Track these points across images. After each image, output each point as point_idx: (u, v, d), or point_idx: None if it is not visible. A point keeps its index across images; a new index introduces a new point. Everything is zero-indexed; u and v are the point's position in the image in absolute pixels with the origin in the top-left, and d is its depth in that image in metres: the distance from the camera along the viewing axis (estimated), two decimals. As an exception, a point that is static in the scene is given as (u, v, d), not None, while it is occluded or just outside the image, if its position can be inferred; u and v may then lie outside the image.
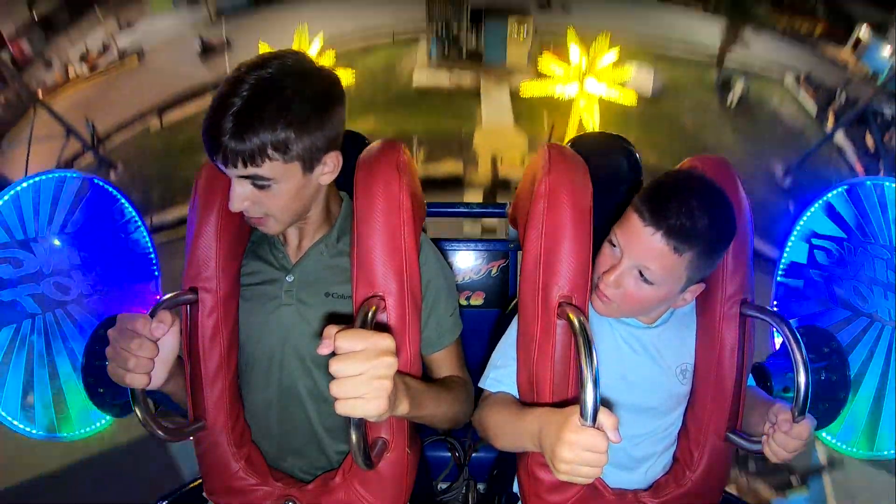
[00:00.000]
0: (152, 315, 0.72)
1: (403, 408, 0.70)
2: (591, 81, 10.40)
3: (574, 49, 10.99)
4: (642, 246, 0.75)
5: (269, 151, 0.73)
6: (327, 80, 0.77)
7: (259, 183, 0.75)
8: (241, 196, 0.76)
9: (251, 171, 0.73)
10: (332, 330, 0.61)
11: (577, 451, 0.62)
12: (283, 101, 0.72)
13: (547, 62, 11.41)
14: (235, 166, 0.73)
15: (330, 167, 0.81)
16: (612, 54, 10.51)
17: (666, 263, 0.75)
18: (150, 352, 0.71)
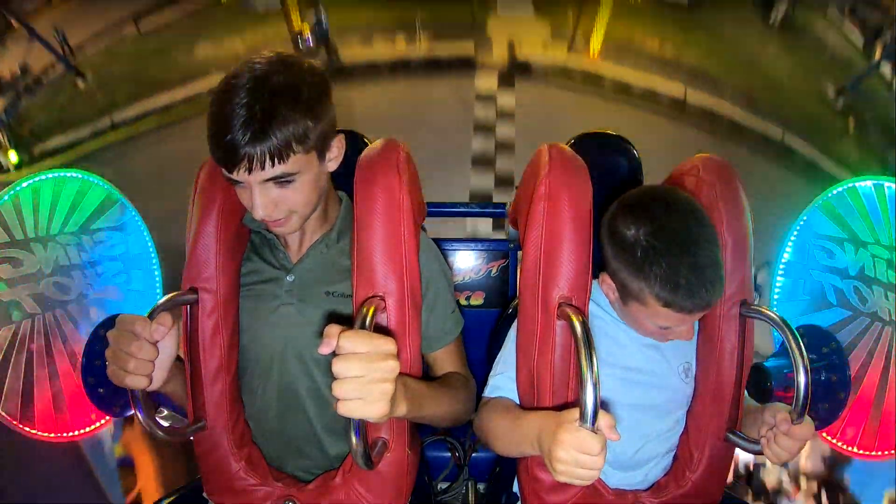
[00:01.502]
0: (151, 317, 0.72)
1: (402, 409, 0.70)
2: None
3: None
4: (692, 319, 0.79)
5: (293, 145, 0.73)
6: (312, 66, 0.78)
7: (284, 180, 0.75)
8: (266, 201, 0.76)
9: (279, 169, 0.73)
10: (333, 329, 0.61)
11: (571, 451, 0.61)
12: (291, 92, 0.72)
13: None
14: (263, 168, 0.72)
15: (335, 152, 0.82)
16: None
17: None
18: (150, 354, 0.71)
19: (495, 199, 3.40)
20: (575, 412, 0.63)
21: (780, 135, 3.62)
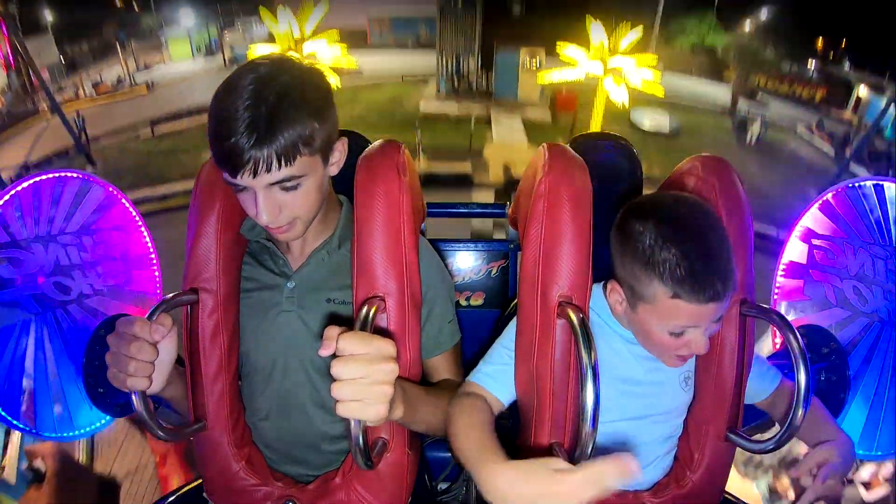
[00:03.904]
0: (151, 318, 0.72)
1: (398, 413, 0.70)
2: (616, 60, 9.76)
3: (596, 28, 9.99)
4: (709, 315, 0.75)
5: (300, 146, 0.71)
6: (314, 68, 0.77)
7: (289, 185, 0.74)
8: (271, 205, 0.74)
9: (285, 172, 0.72)
10: (333, 331, 0.60)
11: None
12: (296, 93, 0.71)
13: (564, 48, 10.16)
14: (269, 171, 0.71)
15: (337, 156, 0.81)
16: (636, 32, 9.83)
17: (728, 303, 0.76)
18: (150, 355, 0.71)
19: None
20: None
21: (774, 232, 3.62)
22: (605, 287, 0.85)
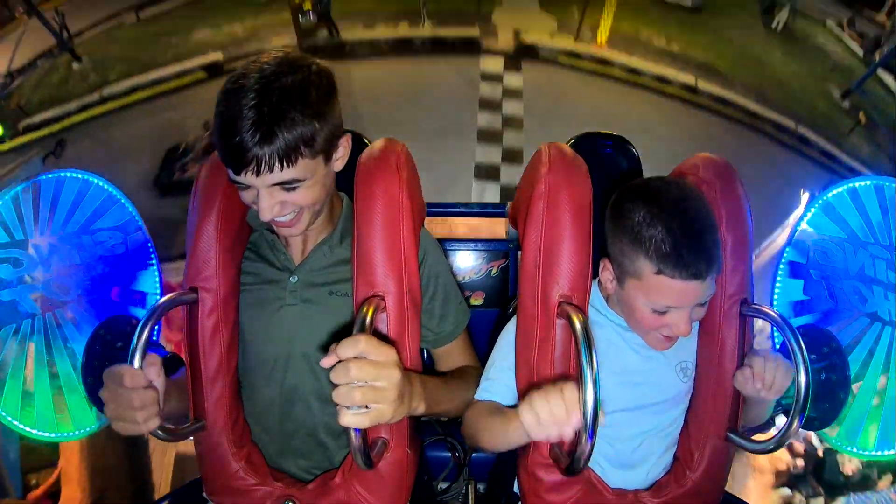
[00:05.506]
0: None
1: (420, 408, 0.73)
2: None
3: None
4: (692, 296, 0.77)
5: (302, 148, 0.72)
6: (319, 66, 0.77)
7: (290, 186, 0.75)
8: (272, 203, 0.75)
9: (287, 174, 0.73)
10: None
11: (550, 397, 0.63)
12: (299, 94, 0.72)
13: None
14: (271, 171, 0.71)
15: (341, 152, 0.82)
16: None
17: (712, 287, 0.78)
18: (151, 398, 0.70)
19: (503, 173, 3.44)
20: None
21: (793, 125, 3.58)
22: (598, 268, 0.86)
